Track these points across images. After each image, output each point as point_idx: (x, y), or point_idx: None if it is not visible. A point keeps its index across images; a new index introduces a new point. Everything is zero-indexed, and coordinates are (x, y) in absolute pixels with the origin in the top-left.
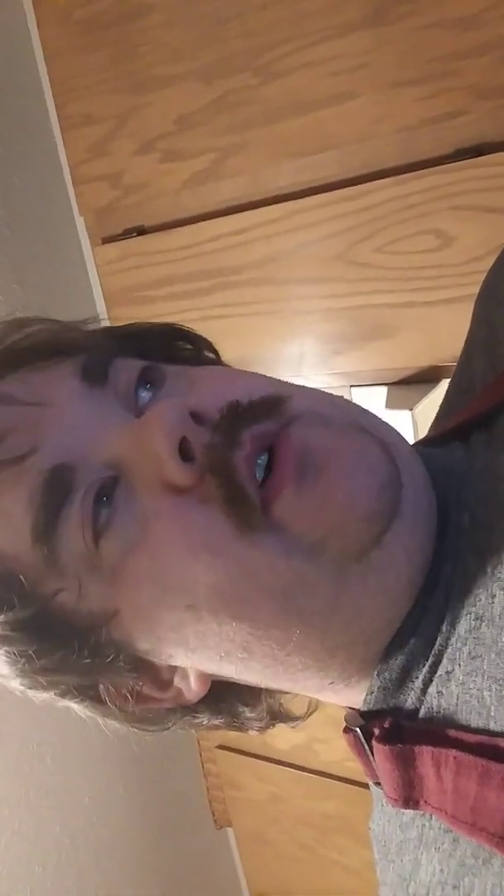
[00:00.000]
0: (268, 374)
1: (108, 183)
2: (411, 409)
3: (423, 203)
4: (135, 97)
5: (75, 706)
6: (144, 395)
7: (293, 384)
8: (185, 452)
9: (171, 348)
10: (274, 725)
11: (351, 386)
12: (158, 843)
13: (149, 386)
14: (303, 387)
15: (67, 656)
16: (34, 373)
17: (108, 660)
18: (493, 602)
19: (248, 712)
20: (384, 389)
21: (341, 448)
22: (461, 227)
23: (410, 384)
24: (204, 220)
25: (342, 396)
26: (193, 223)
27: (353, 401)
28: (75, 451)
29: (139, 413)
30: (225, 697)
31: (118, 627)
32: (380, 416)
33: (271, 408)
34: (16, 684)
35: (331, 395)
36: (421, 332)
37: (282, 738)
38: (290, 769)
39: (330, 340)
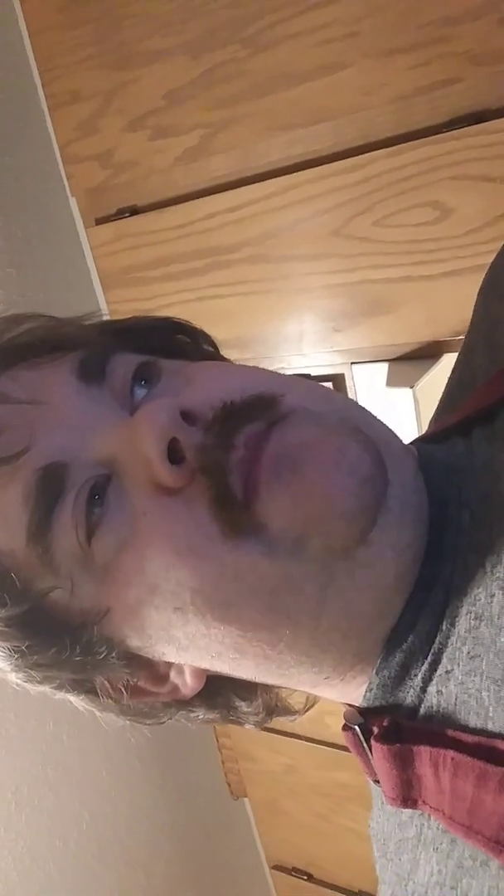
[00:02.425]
0: (269, 352)
1: (99, 162)
2: (412, 387)
3: (419, 174)
4: (122, 73)
5: (73, 699)
6: (140, 391)
7: (291, 380)
8: (174, 454)
9: (170, 342)
10: (270, 720)
11: (351, 363)
12: (176, 815)
13: (144, 383)
14: (301, 382)
15: (60, 652)
16: (30, 370)
17: (101, 656)
18: (491, 601)
19: (244, 707)
20: (385, 366)
21: (321, 445)
22: (459, 198)
23: (411, 360)
24: (197, 197)
25: (340, 393)
26: (187, 201)
27: (355, 377)
28: (69, 449)
29: (134, 410)
30: (221, 692)
31: (110, 625)
32: (381, 395)
33: (265, 406)
34: (13, 677)
35: (328, 391)
36: (421, 307)
37: (301, 702)
38: (303, 741)
39: (329, 317)
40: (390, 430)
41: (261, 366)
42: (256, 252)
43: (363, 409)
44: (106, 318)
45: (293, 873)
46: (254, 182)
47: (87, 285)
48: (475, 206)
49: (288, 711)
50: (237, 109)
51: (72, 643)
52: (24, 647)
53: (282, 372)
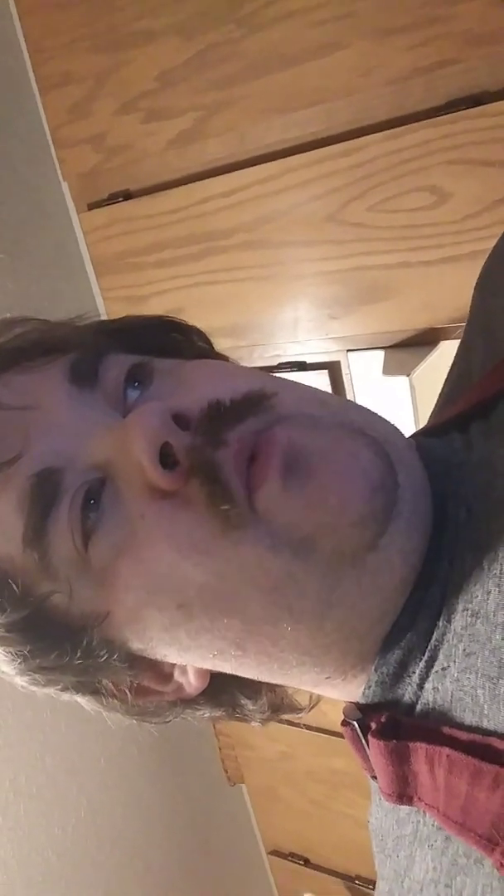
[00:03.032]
0: (264, 339)
1: (91, 146)
2: (409, 375)
3: (416, 158)
4: (114, 54)
5: (79, 699)
6: (132, 393)
7: (283, 381)
8: (166, 458)
9: (163, 341)
10: (276, 718)
11: (347, 350)
12: (174, 802)
13: (137, 384)
14: (293, 384)
15: (61, 656)
16: (22, 374)
17: (102, 659)
18: (487, 598)
19: (250, 705)
20: (381, 353)
21: (332, 450)
22: (457, 183)
23: (408, 347)
24: (191, 181)
25: (334, 394)
26: (181, 185)
27: (351, 364)
28: (62, 454)
29: (127, 412)
30: (226, 690)
31: (110, 628)
32: (377, 383)
33: (255, 405)
34: (18, 681)
35: (322, 392)
36: (418, 293)
37: (305, 700)
38: (300, 729)
39: (325, 304)
40: (392, 425)
41: (255, 354)
42: (251, 237)
43: (362, 408)
44: (98, 318)
45: (290, 858)
46: (249, 166)
47: (81, 271)
48: (473, 190)
49: (294, 709)
50: (231, 92)
51: (73, 647)
52: (25, 652)
53: (275, 361)
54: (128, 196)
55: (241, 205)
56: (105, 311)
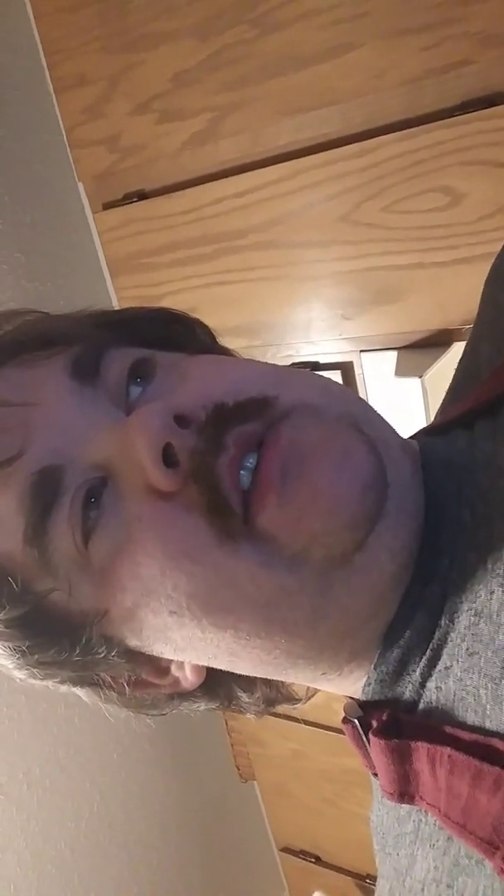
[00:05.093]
0: (277, 339)
1: (106, 147)
2: (421, 377)
3: (430, 159)
4: (128, 55)
5: (77, 691)
6: (135, 389)
7: (288, 373)
8: (168, 458)
9: (166, 334)
10: (271, 711)
11: (361, 351)
12: (186, 797)
13: (139, 380)
14: (298, 374)
15: (60, 652)
16: (23, 369)
17: (100, 655)
18: (491, 598)
19: (245, 697)
20: (394, 354)
21: (326, 447)
22: (471, 184)
23: (421, 348)
24: (205, 182)
25: (337, 383)
26: (194, 186)
27: (364, 365)
28: (63, 452)
29: (129, 409)
30: (222, 683)
31: (109, 625)
32: (390, 385)
33: (259, 408)
34: (17, 674)
35: (326, 380)
36: (431, 294)
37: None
38: (311, 727)
39: (338, 305)
40: (389, 424)
41: (268, 354)
42: (265, 238)
43: (363, 401)
44: (100, 310)
45: (301, 856)
46: (262, 167)
47: (95, 271)
48: (487, 191)
49: (290, 699)
50: (245, 92)
51: (71, 643)
52: (24, 648)
53: (288, 361)
54: (142, 196)
55: (255, 205)
56: None
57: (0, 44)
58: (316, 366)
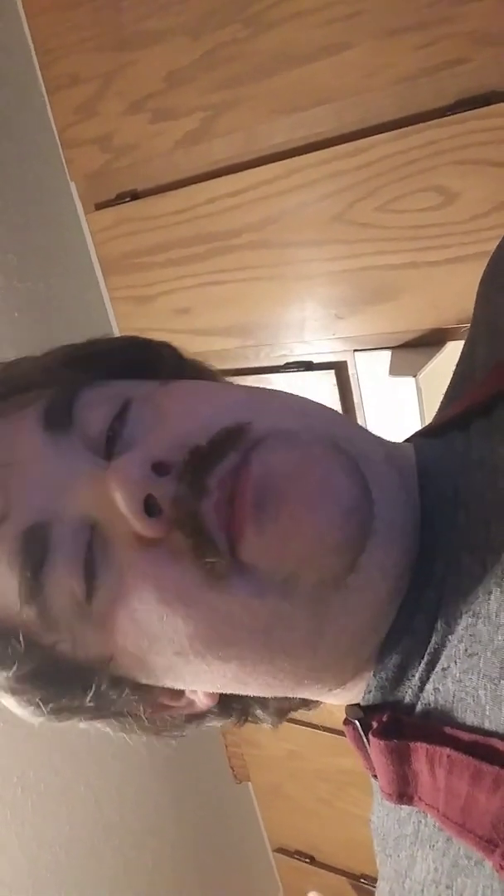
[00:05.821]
0: (270, 339)
1: (99, 146)
2: (415, 376)
3: (424, 158)
4: (121, 54)
5: (98, 725)
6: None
7: (262, 397)
8: (150, 508)
9: (135, 362)
10: (285, 719)
11: (354, 350)
12: (181, 799)
13: (114, 417)
14: (272, 397)
15: (73, 699)
16: None
17: (113, 697)
18: (489, 599)
19: (260, 712)
20: (388, 353)
21: (303, 474)
22: (464, 183)
23: (415, 347)
24: (198, 181)
25: (315, 402)
26: (188, 185)
27: (357, 364)
28: (47, 508)
29: (108, 453)
30: (236, 700)
31: (118, 668)
32: (384, 384)
33: (233, 438)
34: (35, 721)
35: (302, 401)
36: (425, 294)
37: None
38: (306, 728)
39: (331, 304)
40: (371, 437)
41: (262, 354)
42: (258, 237)
43: (341, 417)
44: (66, 345)
45: (296, 856)
46: (255, 166)
47: (88, 271)
48: (481, 190)
49: (303, 705)
50: (238, 91)
51: (83, 690)
52: (38, 700)
53: (282, 361)
54: (135, 196)
55: (249, 205)
56: (112, 310)
57: None
58: (309, 365)
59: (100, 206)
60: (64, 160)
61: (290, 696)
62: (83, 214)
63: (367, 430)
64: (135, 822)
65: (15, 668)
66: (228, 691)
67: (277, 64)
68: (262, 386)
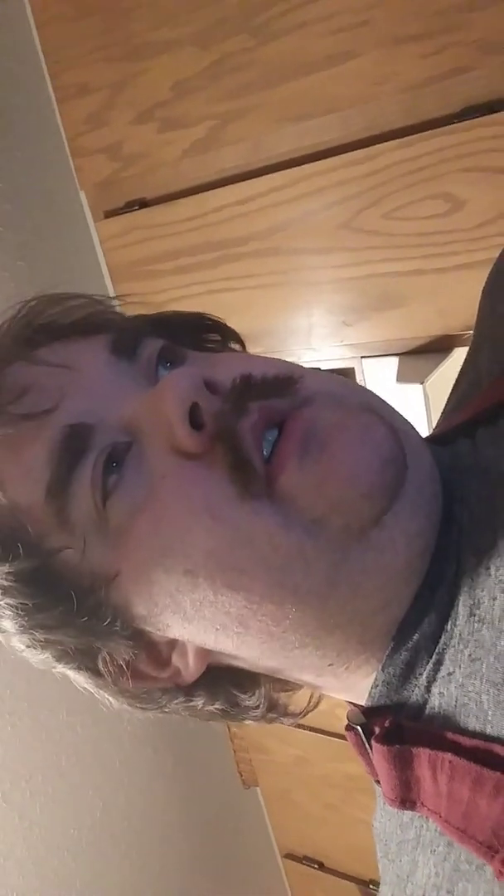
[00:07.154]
0: (278, 346)
1: (108, 155)
2: (422, 383)
3: (430, 165)
4: (130, 64)
5: (72, 674)
6: (164, 372)
7: (309, 368)
8: (195, 419)
9: (198, 337)
10: (272, 719)
11: (362, 357)
12: (189, 804)
13: (169, 364)
14: (317, 370)
15: (66, 613)
16: (67, 343)
17: (105, 622)
18: (493, 604)
19: (246, 699)
20: (395, 360)
21: (348, 423)
22: (471, 190)
23: (422, 354)
24: (206, 189)
25: (355, 381)
26: (196, 193)
27: (365, 371)
28: (94, 413)
29: None
30: (222, 680)
31: (117, 590)
32: (391, 391)
33: (283, 386)
34: (16, 641)
35: (346, 379)
36: (432, 301)
37: (304, 705)
38: (314, 733)
39: (339, 311)
40: (409, 422)
41: None
42: (266, 245)
43: (382, 399)
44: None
45: (304, 862)
46: (263, 174)
47: (97, 279)
48: (487, 198)
49: (290, 714)
50: (246, 100)
51: (78, 604)
52: (30, 605)
53: None
54: (144, 204)
55: (256, 213)
56: None
57: (2, 53)
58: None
59: (109, 215)
60: (73, 169)
61: (287, 664)
62: (92, 223)
63: (404, 417)
64: (142, 827)
65: (18, 560)
66: (224, 640)
67: (285, 73)
68: None
